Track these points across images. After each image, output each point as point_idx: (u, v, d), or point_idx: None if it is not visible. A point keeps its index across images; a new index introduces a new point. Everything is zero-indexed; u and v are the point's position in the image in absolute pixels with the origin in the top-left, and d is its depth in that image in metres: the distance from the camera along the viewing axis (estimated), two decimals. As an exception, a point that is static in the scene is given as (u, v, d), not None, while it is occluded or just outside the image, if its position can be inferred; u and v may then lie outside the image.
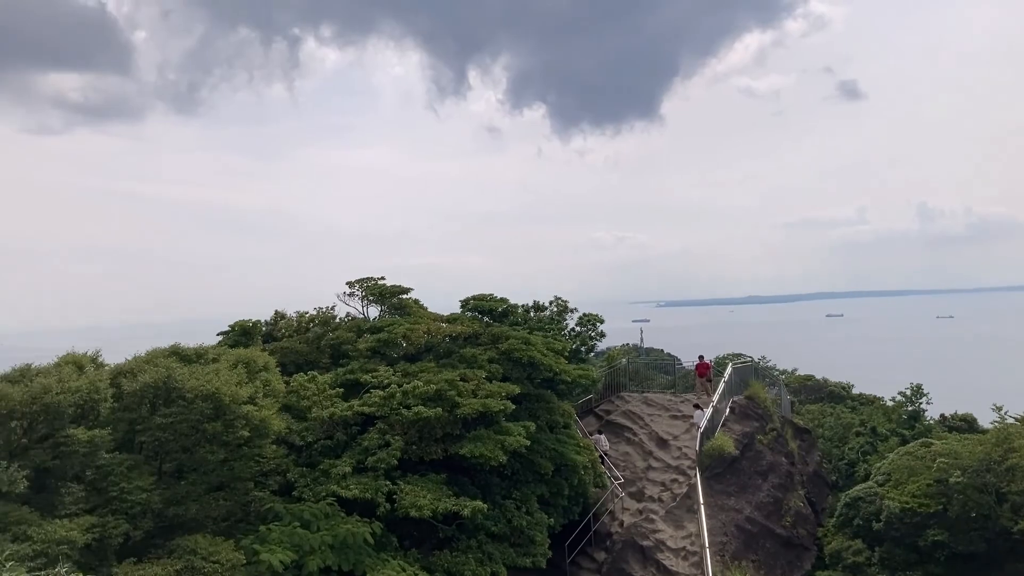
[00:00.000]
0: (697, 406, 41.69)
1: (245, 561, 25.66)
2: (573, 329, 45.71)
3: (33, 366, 28.35)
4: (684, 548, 33.88)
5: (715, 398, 41.48)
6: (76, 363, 29.04)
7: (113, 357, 32.75)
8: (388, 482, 29.87)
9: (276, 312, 44.38)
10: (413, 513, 28.72)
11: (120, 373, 29.44)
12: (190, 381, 27.67)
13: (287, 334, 42.14)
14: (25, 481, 25.22)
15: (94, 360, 30.28)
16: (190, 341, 34.88)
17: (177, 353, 31.28)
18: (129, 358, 32.15)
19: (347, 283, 41.81)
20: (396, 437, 30.84)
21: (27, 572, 19.22)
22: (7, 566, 18.28)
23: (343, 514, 28.53)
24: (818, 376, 76.69)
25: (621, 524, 36.42)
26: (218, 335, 39.55)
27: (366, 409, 31.63)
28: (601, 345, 49.81)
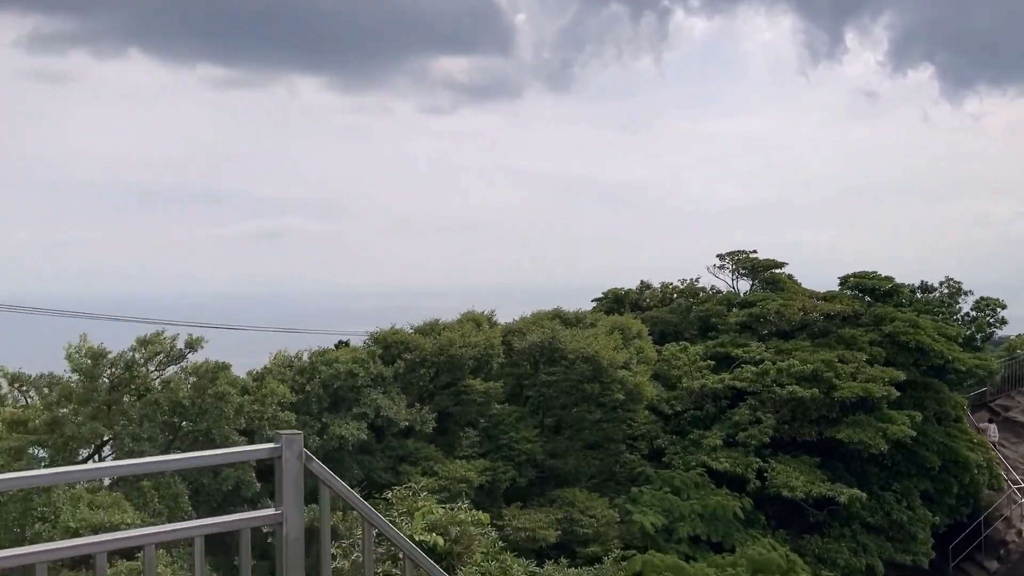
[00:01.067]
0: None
1: (619, 519, 26.89)
2: (967, 314, 41.30)
3: (439, 321, 31.91)
4: (1101, 571, 29.47)
5: None
6: (475, 320, 32.22)
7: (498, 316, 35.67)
8: (758, 459, 29.48)
9: (642, 282, 45.48)
10: (785, 493, 28.12)
11: (510, 332, 32.15)
12: (572, 343, 29.44)
13: (652, 304, 43.01)
14: (433, 422, 28.63)
15: (489, 319, 33.35)
16: (560, 305, 37.00)
17: (559, 316, 33.39)
18: (516, 319, 34.97)
19: (717, 255, 41.55)
20: (768, 414, 30.28)
21: (437, 504, 21.83)
22: (422, 496, 20.98)
23: (712, 485, 28.71)
24: None
25: (1019, 533, 32.51)
26: (592, 301, 41.49)
27: (737, 383, 31.41)
28: (1000, 332, 44.45)
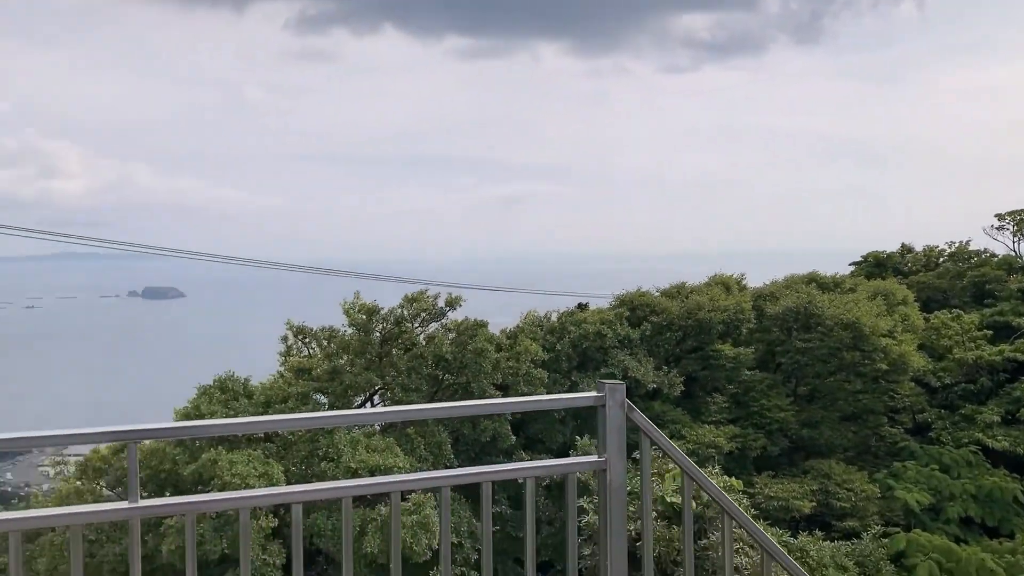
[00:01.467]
0: None
1: (879, 494, 25.49)
2: None
3: (686, 284, 31.56)
4: None
5: None
6: (724, 284, 31.54)
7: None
8: (1044, 439, 26.74)
9: (903, 245, 42.59)
10: (1076, 479, 25.32)
11: (761, 296, 31.15)
12: (830, 309, 28.05)
13: (916, 268, 40.18)
14: (680, 386, 28.46)
15: (738, 282, 32.49)
16: (815, 269, 35.22)
17: (815, 280, 31.93)
18: (767, 282, 33.85)
19: (996, 215, 37.84)
20: (1056, 391, 27.31)
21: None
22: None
23: (987, 465, 26.47)
24: None
25: None
26: (850, 265, 39.30)
27: (1019, 356, 28.60)
28: None
